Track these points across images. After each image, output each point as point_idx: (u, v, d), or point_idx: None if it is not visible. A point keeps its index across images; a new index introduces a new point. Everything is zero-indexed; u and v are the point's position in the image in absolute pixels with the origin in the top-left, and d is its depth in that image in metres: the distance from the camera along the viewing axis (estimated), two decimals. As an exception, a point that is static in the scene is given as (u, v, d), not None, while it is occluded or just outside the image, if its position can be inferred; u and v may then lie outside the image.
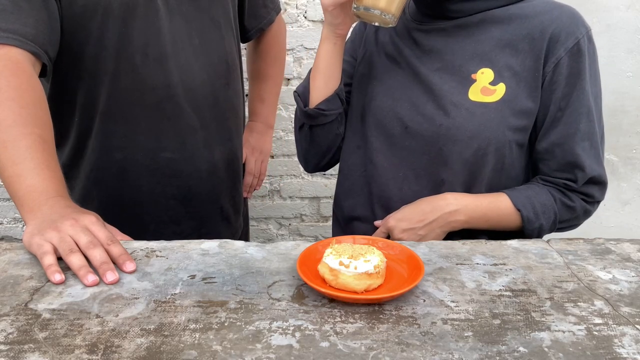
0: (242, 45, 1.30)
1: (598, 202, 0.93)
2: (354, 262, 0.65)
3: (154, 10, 1.00)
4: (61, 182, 0.82)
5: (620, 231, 1.94)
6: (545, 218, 0.89)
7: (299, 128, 1.04)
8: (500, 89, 0.87)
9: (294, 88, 1.69)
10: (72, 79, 1.02)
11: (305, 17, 1.63)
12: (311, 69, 0.99)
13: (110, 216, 0.91)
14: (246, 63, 1.44)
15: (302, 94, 1.00)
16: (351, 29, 1.05)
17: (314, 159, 1.08)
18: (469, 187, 0.91)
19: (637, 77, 1.77)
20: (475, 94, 0.88)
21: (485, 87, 0.88)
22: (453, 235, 0.91)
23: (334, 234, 1.12)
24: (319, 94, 0.97)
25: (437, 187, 0.92)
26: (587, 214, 0.93)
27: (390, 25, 0.84)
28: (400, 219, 0.91)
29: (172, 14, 1.03)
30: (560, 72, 0.86)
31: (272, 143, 1.57)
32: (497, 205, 0.89)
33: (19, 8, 0.88)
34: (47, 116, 0.87)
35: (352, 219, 1.04)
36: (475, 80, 0.88)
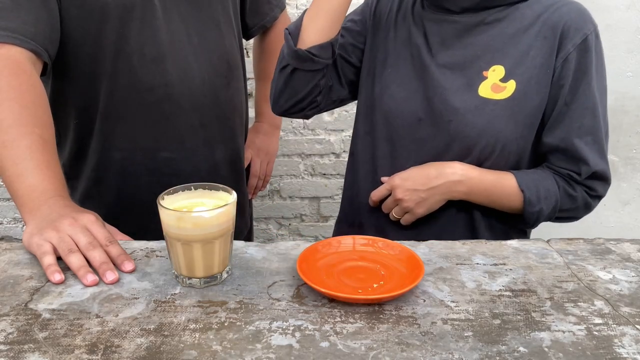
0: (247, 44, 1.28)
1: (600, 197, 0.94)
2: None
3: (151, 11, 1.00)
4: (61, 181, 0.82)
5: (620, 231, 1.94)
6: (547, 203, 0.91)
7: (281, 68, 0.97)
8: (511, 86, 0.88)
9: (294, 88, 1.70)
10: (70, 80, 1.01)
11: (305, 17, 1.62)
12: (307, 9, 0.93)
13: (112, 215, 0.91)
14: (252, 63, 1.43)
15: (293, 33, 0.94)
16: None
17: (285, 103, 1.01)
18: None
19: (637, 77, 1.77)
20: (485, 91, 0.89)
21: (496, 84, 0.89)
22: (453, 235, 0.91)
23: (339, 221, 1.12)
24: (313, 38, 0.91)
25: None
26: (587, 207, 0.94)
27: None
28: (405, 178, 0.93)
29: (170, 14, 1.02)
30: (568, 67, 0.87)
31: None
32: (501, 183, 0.90)
33: (19, 6, 0.88)
34: (47, 116, 0.87)
35: (358, 202, 1.04)
36: (486, 78, 0.89)
